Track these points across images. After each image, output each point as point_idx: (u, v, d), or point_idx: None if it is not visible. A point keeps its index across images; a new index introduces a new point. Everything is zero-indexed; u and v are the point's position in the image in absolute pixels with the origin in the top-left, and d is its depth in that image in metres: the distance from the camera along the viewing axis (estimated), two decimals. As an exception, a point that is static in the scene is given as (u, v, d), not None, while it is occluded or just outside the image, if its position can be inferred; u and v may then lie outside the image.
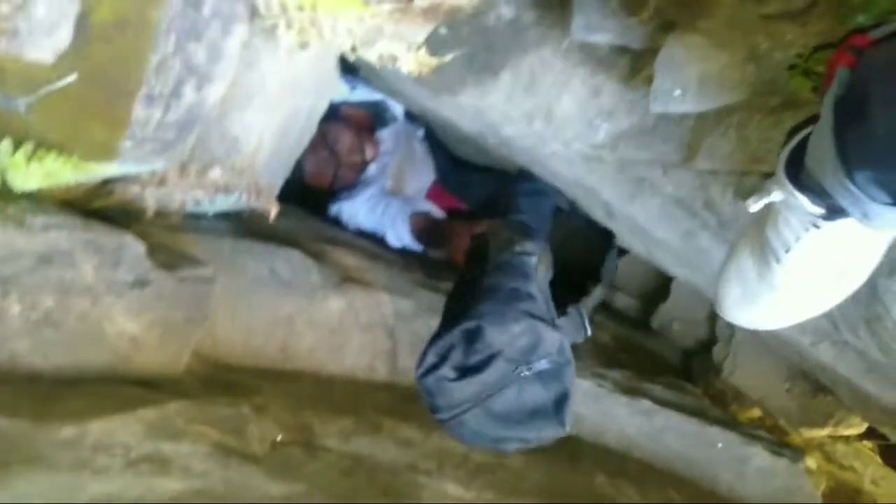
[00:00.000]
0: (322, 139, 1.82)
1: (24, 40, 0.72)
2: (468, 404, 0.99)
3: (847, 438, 2.17)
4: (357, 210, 1.92)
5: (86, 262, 0.91)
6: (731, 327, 2.16)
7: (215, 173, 1.11)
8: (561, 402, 1.01)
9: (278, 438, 1.11)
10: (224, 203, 1.25)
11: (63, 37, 0.76)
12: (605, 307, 2.48)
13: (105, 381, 0.97)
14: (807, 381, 2.01)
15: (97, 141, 0.88)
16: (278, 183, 1.29)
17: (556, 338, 1.02)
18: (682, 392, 1.67)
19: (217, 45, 0.90)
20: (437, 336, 1.06)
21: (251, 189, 1.13)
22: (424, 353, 1.05)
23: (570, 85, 1.20)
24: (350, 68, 1.68)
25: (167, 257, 1.07)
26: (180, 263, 1.08)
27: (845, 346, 1.40)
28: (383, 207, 1.88)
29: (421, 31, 1.09)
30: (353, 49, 1.05)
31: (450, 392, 1.00)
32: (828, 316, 1.30)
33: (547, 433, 1.02)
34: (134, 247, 0.99)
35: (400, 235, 1.90)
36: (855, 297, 0.84)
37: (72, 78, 0.81)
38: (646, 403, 1.53)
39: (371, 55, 1.06)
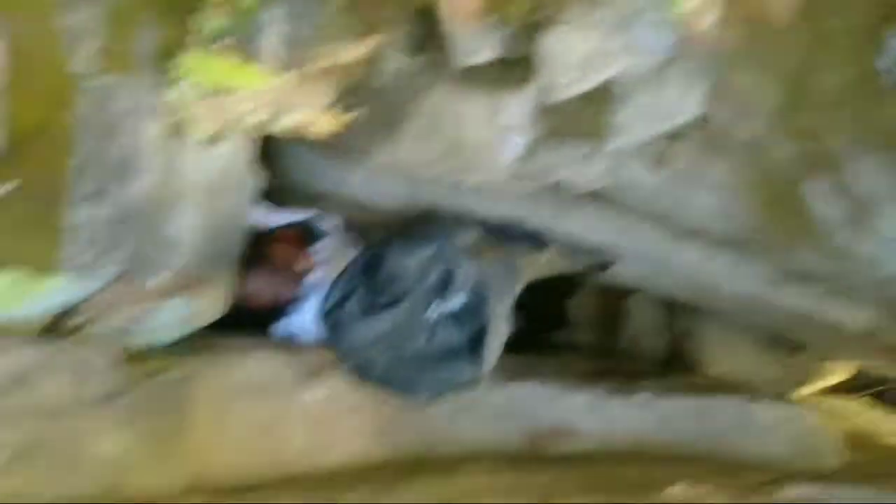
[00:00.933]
0: (257, 260, 1.86)
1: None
2: (377, 346, 0.97)
3: (843, 392, 2.21)
4: (305, 320, 1.93)
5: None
6: (690, 323, 2.22)
7: (160, 278, 1.11)
8: (477, 340, 1.00)
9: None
10: (171, 316, 1.24)
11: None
12: (571, 347, 2.53)
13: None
14: (778, 345, 2.06)
15: (38, 254, 0.88)
16: (220, 276, 1.30)
17: (473, 271, 1.01)
18: (671, 379, 1.69)
19: (133, 138, 0.94)
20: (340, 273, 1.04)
21: (192, 286, 1.13)
22: (329, 291, 1.02)
23: (470, 112, 1.29)
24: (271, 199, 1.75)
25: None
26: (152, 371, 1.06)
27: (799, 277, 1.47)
28: None
29: (326, 95, 1.17)
30: (264, 126, 1.11)
31: (356, 330, 0.97)
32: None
33: (462, 375, 0.99)
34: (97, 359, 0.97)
35: None
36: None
37: (12, 185, 0.82)
38: (644, 396, 1.53)
39: (285, 127, 1.13)
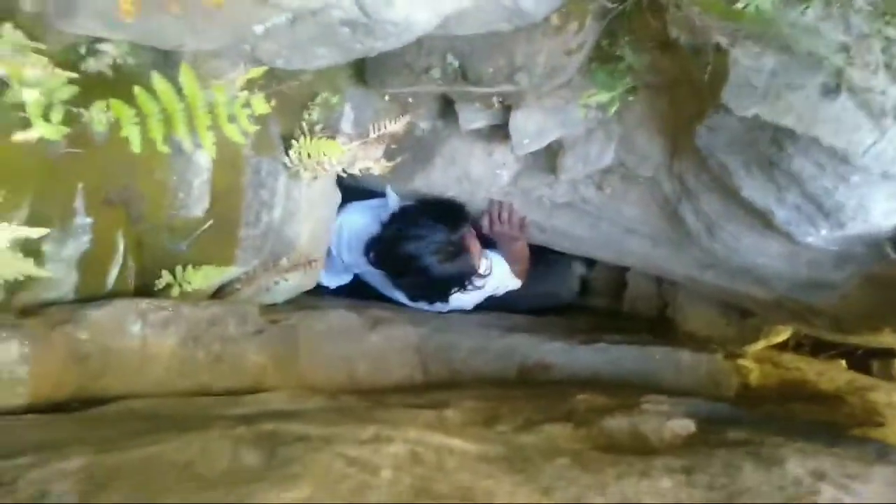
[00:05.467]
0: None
1: (189, 208, 1.50)
2: None
3: (790, 348, 2.79)
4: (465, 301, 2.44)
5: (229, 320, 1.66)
6: (671, 292, 2.85)
7: (283, 262, 1.87)
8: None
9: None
10: (287, 288, 2.00)
11: (205, 205, 1.55)
12: (584, 309, 3.22)
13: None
14: (735, 311, 2.66)
15: (224, 256, 1.65)
16: (319, 256, 2.05)
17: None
18: (630, 335, 2.34)
19: (273, 187, 1.68)
20: None
21: (303, 264, 1.89)
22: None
23: (474, 155, 1.98)
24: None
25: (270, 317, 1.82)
26: (278, 319, 1.83)
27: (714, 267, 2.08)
28: None
29: (379, 150, 1.88)
30: (344, 171, 1.84)
31: None
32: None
33: None
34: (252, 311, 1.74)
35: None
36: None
37: (209, 224, 1.58)
38: (602, 345, 2.20)
39: (355, 171, 1.85)
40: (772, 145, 1.36)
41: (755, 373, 2.40)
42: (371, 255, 2.25)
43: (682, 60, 1.47)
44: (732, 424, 1.42)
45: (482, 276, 2.30)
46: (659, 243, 2.13)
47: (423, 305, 2.42)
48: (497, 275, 2.41)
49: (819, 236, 1.45)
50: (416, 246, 2.12)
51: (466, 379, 2.24)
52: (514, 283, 2.53)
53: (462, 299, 2.38)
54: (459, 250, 2.16)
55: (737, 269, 1.91)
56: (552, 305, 3.00)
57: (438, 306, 2.41)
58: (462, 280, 2.24)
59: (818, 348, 2.92)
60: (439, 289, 2.28)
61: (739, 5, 1.26)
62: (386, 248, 2.19)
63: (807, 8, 1.23)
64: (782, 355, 2.80)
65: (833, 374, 2.72)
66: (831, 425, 1.94)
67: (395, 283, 2.34)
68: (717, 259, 1.87)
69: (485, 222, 2.28)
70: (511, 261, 2.44)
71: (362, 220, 2.33)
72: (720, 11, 1.29)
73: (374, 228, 2.22)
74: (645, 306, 3.11)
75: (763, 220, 1.52)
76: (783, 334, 2.68)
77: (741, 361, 2.40)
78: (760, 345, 2.66)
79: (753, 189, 1.47)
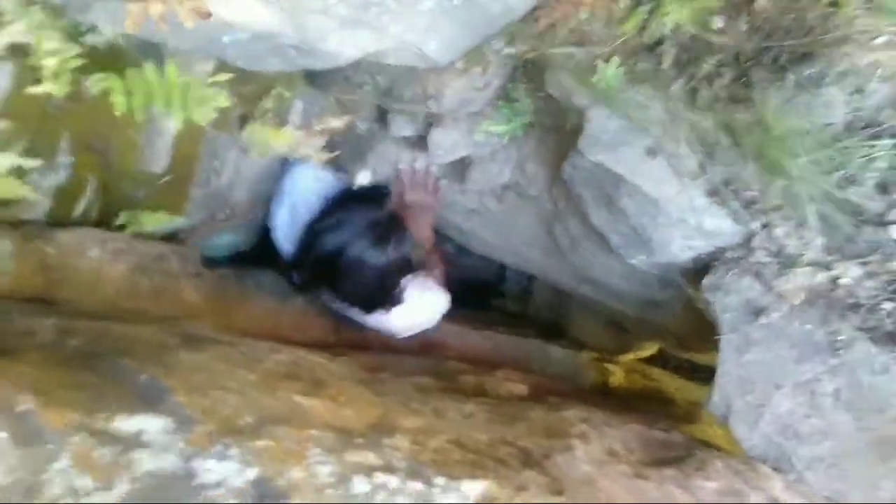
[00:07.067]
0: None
1: (151, 164, 1.85)
2: None
3: (657, 363, 3.26)
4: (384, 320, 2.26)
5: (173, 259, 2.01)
6: (566, 303, 3.29)
7: (219, 216, 2.23)
8: None
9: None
10: (224, 243, 2.36)
11: (164, 163, 1.90)
12: (497, 310, 3.65)
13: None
14: (614, 326, 3.11)
15: (176, 207, 2.00)
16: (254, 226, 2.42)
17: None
18: (519, 329, 2.77)
19: (224, 158, 2.04)
20: None
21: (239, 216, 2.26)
22: None
23: (401, 158, 2.37)
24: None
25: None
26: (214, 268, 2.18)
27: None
28: None
29: (321, 141, 2.25)
30: (288, 152, 2.21)
31: None
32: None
33: None
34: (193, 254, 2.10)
35: None
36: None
37: (166, 178, 1.93)
38: (488, 332, 2.62)
39: (296, 155, 2.22)
40: (611, 186, 1.79)
41: (616, 376, 2.85)
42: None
43: (560, 111, 1.89)
44: (555, 395, 1.84)
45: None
46: (548, 254, 2.54)
47: (355, 312, 2.12)
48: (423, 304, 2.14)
49: (641, 260, 1.88)
50: (339, 237, 1.90)
51: (374, 346, 2.63)
52: (443, 301, 2.24)
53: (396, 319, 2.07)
54: (393, 227, 1.95)
55: (600, 285, 2.34)
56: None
57: (378, 318, 2.10)
58: (409, 264, 1.98)
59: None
60: (385, 283, 1.95)
61: (594, 79, 1.68)
62: (311, 251, 1.97)
63: (640, 90, 1.66)
64: (652, 369, 3.27)
65: (690, 390, 3.21)
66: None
67: (332, 289, 2.07)
68: (584, 274, 2.30)
69: (398, 188, 2.15)
70: (427, 254, 2.33)
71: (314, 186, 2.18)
72: (581, 82, 1.70)
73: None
74: (545, 314, 3.56)
75: (606, 242, 1.95)
76: (649, 350, 3.14)
77: (607, 365, 2.85)
78: (630, 356, 3.11)
79: (598, 217, 1.89)
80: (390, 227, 1.94)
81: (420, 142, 2.32)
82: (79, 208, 1.83)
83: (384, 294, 1.98)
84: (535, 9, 1.63)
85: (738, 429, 1.67)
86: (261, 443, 1.08)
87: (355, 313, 2.13)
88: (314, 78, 2.09)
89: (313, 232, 1.96)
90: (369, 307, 2.04)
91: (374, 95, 1.98)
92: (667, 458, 1.52)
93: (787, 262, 1.71)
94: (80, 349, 1.20)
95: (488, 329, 2.68)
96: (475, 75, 1.83)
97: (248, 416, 1.15)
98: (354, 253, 1.89)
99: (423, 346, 2.65)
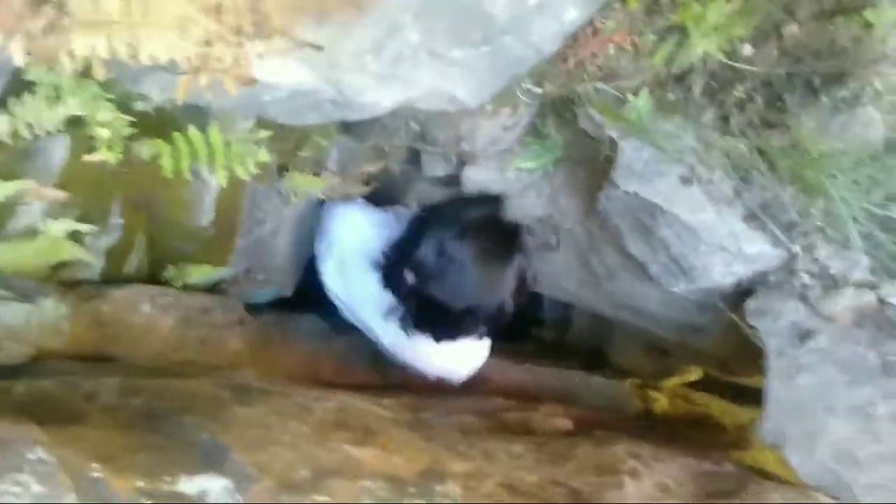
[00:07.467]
0: None
1: (199, 219, 1.91)
2: None
3: (699, 387, 3.20)
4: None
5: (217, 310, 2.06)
6: (606, 330, 3.27)
7: (261, 276, 2.29)
8: None
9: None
10: (266, 293, 2.42)
11: (211, 217, 1.96)
12: (535, 340, 3.65)
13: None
14: (656, 350, 3.08)
15: (221, 258, 2.06)
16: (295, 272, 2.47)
17: None
18: (559, 360, 2.76)
19: (265, 208, 2.10)
20: None
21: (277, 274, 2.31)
22: None
23: (436, 196, 2.41)
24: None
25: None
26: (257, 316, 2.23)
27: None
28: None
29: (357, 186, 2.31)
30: (328, 193, 2.26)
31: None
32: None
33: None
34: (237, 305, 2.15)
35: None
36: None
37: (211, 232, 2.00)
38: (528, 365, 2.61)
39: (335, 196, 2.27)
40: (647, 216, 1.79)
41: (661, 402, 2.81)
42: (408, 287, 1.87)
43: (591, 143, 1.91)
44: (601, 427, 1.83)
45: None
46: (583, 284, 2.55)
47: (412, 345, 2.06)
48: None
49: (681, 287, 1.88)
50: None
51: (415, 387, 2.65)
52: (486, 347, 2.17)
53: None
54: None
55: (639, 312, 2.33)
56: None
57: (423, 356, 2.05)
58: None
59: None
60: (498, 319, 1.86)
61: (625, 112, 1.71)
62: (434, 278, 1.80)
63: (671, 120, 1.68)
64: (695, 393, 3.23)
65: (737, 413, 3.15)
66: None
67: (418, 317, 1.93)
68: (622, 302, 2.30)
69: None
70: None
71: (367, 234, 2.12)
72: (612, 115, 1.73)
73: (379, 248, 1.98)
74: (584, 341, 3.55)
75: (644, 271, 1.95)
76: (694, 374, 3.09)
77: (651, 392, 2.81)
78: (674, 381, 3.07)
79: (636, 248, 1.90)
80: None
81: (453, 181, 2.36)
82: (130, 266, 1.90)
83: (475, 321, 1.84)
84: (562, 48, 1.66)
85: (792, 457, 1.65)
86: (319, 497, 1.10)
87: (408, 347, 2.08)
88: (349, 127, 2.15)
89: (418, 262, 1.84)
90: (452, 335, 1.94)
91: (408, 140, 2.03)
92: (720, 492, 1.50)
93: (832, 284, 1.69)
94: (142, 409, 1.24)
95: (528, 361, 2.67)
96: (504, 115, 1.87)
97: (303, 470, 1.18)
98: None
99: (466, 383, 2.66)
